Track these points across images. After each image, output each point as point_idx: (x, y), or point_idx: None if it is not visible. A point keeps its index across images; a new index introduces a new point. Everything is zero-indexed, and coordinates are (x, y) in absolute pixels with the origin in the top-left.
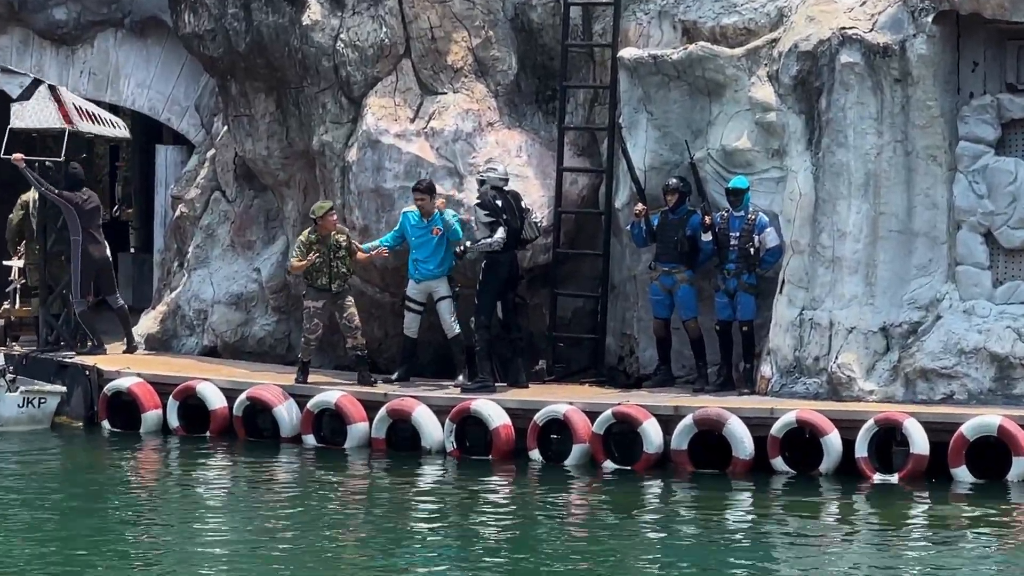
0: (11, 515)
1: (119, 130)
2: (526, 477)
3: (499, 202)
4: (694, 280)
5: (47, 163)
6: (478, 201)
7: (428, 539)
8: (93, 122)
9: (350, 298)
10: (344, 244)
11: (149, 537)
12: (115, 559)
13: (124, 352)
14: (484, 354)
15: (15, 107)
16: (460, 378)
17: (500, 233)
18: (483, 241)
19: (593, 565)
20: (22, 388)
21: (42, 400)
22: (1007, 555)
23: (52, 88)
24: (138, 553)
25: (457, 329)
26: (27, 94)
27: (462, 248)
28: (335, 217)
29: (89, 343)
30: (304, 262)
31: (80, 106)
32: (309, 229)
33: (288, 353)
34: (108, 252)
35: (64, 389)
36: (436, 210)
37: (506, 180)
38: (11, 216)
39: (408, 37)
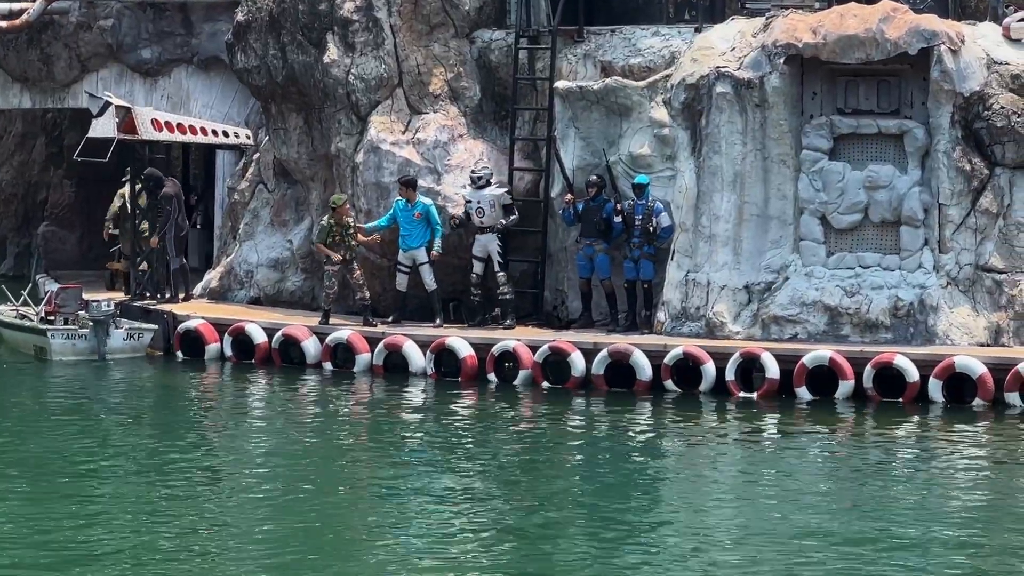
0: (124, 407)
1: (231, 138)
2: (485, 393)
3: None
4: (609, 250)
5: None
6: (507, 189)
7: (414, 433)
8: (184, 132)
9: (356, 263)
10: (353, 225)
11: (213, 426)
12: (191, 439)
13: (183, 299)
14: (512, 303)
15: (93, 121)
16: (437, 321)
17: (515, 214)
18: (511, 219)
19: (530, 446)
20: (126, 325)
21: (140, 335)
22: (835, 445)
23: (129, 109)
24: (203, 436)
25: (434, 285)
26: (101, 112)
27: (437, 253)
28: (348, 206)
29: (169, 294)
30: (324, 248)
31: (170, 121)
32: (328, 215)
33: (312, 302)
34: (187, 226)
35: (156, 326)
36: (417, 199)
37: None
38: (112, 204)
39: (401, 72)
